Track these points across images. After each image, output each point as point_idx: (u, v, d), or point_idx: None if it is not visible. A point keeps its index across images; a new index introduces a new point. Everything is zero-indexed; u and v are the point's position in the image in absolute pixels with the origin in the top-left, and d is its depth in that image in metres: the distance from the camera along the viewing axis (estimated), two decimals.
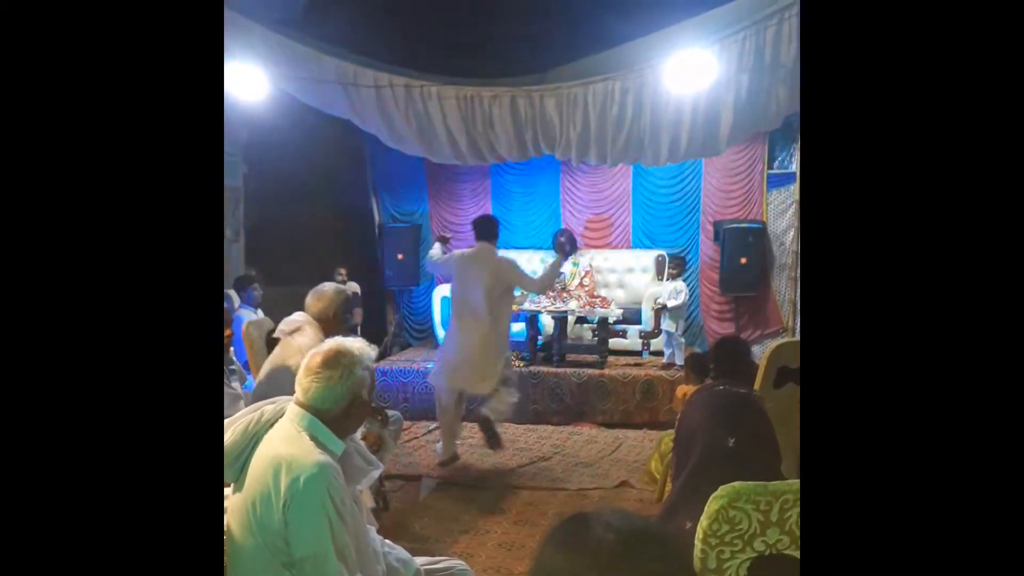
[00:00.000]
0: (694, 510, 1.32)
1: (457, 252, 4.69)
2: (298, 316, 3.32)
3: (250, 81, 4.57)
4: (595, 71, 4.53)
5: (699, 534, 1.27)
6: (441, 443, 4.73)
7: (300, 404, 1.77)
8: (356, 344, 1.84)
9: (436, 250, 4.70)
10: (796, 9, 3.91)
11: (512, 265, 4.49)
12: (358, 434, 2.21)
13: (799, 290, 6.54)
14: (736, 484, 1.27)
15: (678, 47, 4.07)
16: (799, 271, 6.56)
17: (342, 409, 1.77)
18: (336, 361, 1.77)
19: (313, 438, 1.72)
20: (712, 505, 1.27)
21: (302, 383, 1.77)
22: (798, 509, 1.30)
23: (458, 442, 4.81)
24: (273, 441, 1.72)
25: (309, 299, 3.34)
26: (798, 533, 1.31)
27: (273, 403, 1.84)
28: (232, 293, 5.85)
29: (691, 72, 4.05)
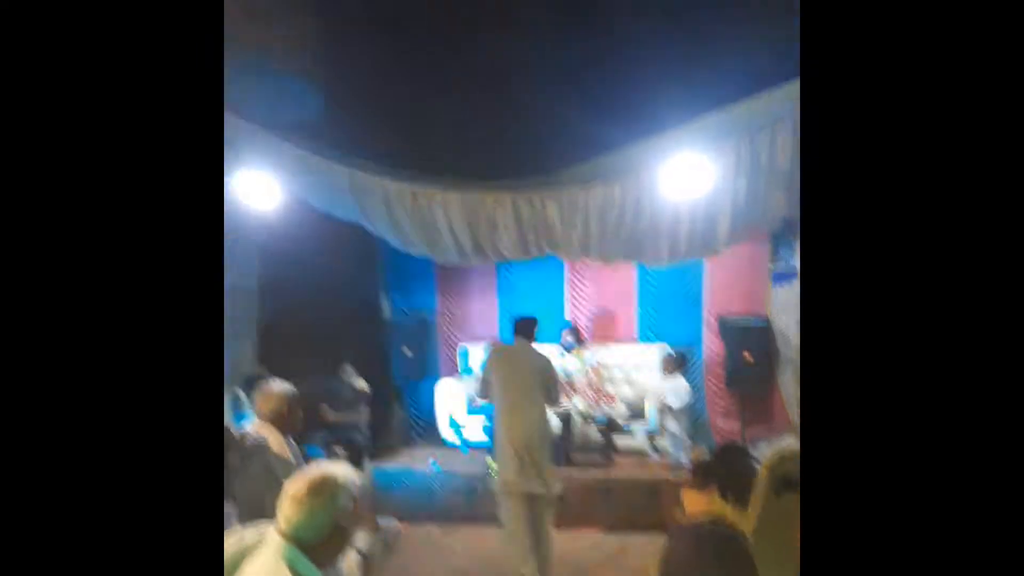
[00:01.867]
0: None
1: (497, 350, 4.73)
2: (249, 428, 3.31)
3: (263, 189, 4.74)
4: (596, 173, 4.66)
5: None
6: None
7: (281, 533, 1.76)
8: (340, 470, 1.85)
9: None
10: (789, 122, 4.03)
11: (549, 365, 4.53)
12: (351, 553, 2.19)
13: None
14: None
15: (675, 151, 4.20)
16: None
17: (323, 538, 1.76)
18: (319, 489, 1.77)
19: (292, 570, 1.70)
20: None
21: (284, 511, 1.77)
22: None
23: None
24: (252, 573, 1.71)
25: (258, 402, 3.33)
26: None
27: (254, 528, 1.83)
28: (240, 393, 5.88)
29: (688, 176, 4.16)
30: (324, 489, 1.77)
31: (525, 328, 4.63)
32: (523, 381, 4.40)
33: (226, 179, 4.30)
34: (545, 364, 4.50)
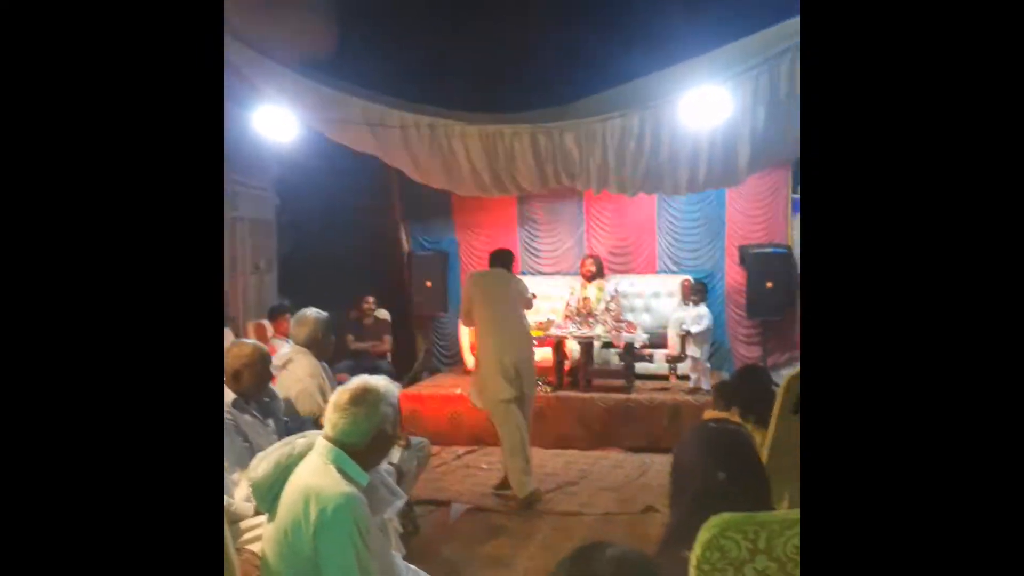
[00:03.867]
0: (690, 540, 1.42)
1: (475, 275, 4.97)
2: (284, 349, 3.47)
3: (280, 122, 4.80)
4: (613, 104, 4.67)
5: (693, 561, 1.38)
6: (515, 475, 4.59)
7: (328, 438, 1.91)
8: (381, 382, 1.98)
9: None
10: None
11: (524, 286, 4.89)
12: (384, 465, 2.34)
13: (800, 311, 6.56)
14: (725, 515, 1.37)
15: (693, 82, 4.20)
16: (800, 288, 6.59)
17: (367, 443, 1.91)
18: (362, 398, 1.91)
19: (340, 470, 1.86)
20: (704, 535, 1.37)
21: (330, 418, 1.91)
22: (784, 538, 1.40)
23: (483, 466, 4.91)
24: (303, 474, 1.86)
25: (293, 328, 3.51)
26: (785, 560, 1.41)
27: (304, 437, 1.98)
28: (266, 323, 6.06)
29: (706, 107, 4.16)
30: (366, 398, 1.91)
31: (502, 258, 4.89)
32: (503, 303, 4.69)
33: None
34: (521, 286, 4.83)
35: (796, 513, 1.44)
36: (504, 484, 4.69)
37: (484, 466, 5.36)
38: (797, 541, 1.41)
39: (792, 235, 6.80)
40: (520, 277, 4.93)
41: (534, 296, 5.18)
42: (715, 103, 4.13)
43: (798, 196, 6.78)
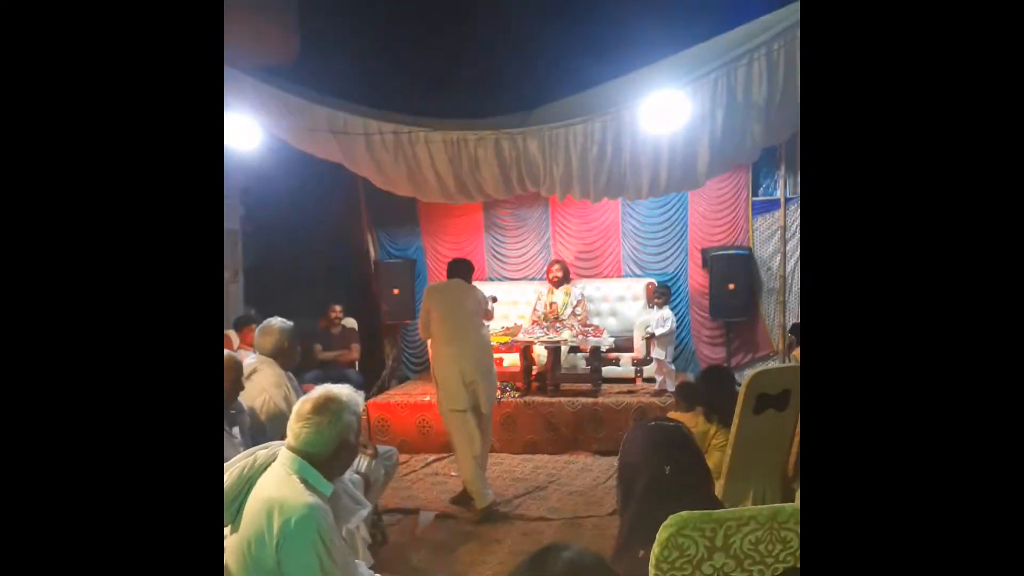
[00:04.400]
0: (646, 538, 1.44)
1: (432, 287, 4.95)
2: (249, 359, 3.45)
3: (244, 131, 4.76)
4: (576, 111, 4.72)
5: (652, 560, 1.40)
6: (472, 486, 4.56)
7: (291, 448, 1.91)
8: (344, 391, 1.98)
9: None
10: (764, 50, 4.10)
11: (484, 296, 4.86)
12: (347, 474, 2.34)
13: (791, 311, 6.70)
14: (683, 514, 1.40)
15: (652, 87, 4.26)
16: (788, 294, 6.73)
17: (330, 453, 1.90)
18: (325, 407, 1.91)
19: (303, 480, 1.85)
20: (662, 533, 1.40)
21: (293, 428, 1.91)
22: (741, 535, 1.43)
23: (453, 474, 4.90)
24: (266, 484, 1.85)
25: (258, 339, 3.47)
26: (743, 556, 1.44)
27: (266, 448, 1.97)
28: (232, 334, 5.99)
29: (666, 112, 4.23)
30: (328, 407, 1.91)
31: (459, 269, 4.85)
32: (460, 314, 4.65)
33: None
34: (479, 296, 4.79)
35: (753, 510, 1.48)
36: (462, 497, 4.68)
37: (453, 473, 5.35)
38: (754, 537, 1.44)
39: (753, 237, 6.92)
40: (478, 287, 4.88)
41: (494, 300, 5.17)
42: (674, 108, 4.20)
43: (758, 198, 6.91)
